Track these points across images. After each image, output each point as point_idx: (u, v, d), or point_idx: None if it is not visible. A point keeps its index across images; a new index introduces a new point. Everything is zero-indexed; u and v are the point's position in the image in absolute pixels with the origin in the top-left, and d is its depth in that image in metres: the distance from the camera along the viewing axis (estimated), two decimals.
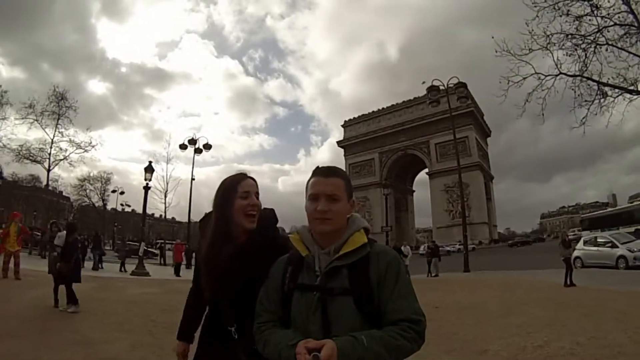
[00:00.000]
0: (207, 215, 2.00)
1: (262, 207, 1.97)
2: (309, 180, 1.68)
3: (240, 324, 1.78)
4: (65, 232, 9.17)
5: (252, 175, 1.94)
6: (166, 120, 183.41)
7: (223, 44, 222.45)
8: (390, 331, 1.43)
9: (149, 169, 22.95)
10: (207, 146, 29.58)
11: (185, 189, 29.28)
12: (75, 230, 9.49)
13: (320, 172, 1.66)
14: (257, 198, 1.92)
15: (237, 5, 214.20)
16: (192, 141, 28.90)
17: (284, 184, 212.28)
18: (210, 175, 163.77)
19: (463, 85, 27.21)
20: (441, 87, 26.34)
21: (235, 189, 1.89)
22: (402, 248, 21.14)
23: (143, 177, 22.60)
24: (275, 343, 1.50)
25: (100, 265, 21.90)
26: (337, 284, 1.52)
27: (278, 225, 2.04)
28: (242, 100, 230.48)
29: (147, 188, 22.81)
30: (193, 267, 2.31)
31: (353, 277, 1.52)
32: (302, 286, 1.58)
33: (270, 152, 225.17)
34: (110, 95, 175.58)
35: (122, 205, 51.57)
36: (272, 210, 2.03)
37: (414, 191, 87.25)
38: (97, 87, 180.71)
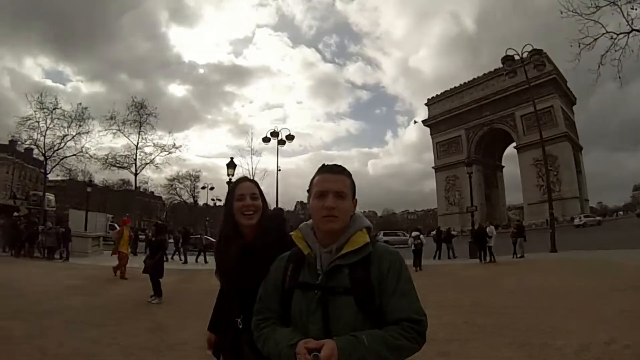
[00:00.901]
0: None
1: (273, 208, 2.21)
2: (313, 178, 1.69)
3: (246, 316, 1.83)
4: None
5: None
6: (250, 115, 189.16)
7: (296, 33, 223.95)
8: (392, 331, 1.43)
9: (231, 165, 24.39)
10: (290, 137, 29.84)
11: (274, 179, 29.99)
12: (163, 231, 10.40)
13: (328, 170, 1.67)
14: (257, 199, 2.09)
15: None
16: (275, 133, 29.30)
17: (374, 168, 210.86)
18: (299, 164, 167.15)
19: (538, 52, 24.96)
20: (516, 57, 24.40)
21: (233, 193, 2.10)
22: (487, 229, 20.16)
23: (238, 173, 24.26)
24: (275, 342, 1.52)
25: (195, 259, 23.19)
26: (338, 283, 1.52)
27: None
28: (323, 87, 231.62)
29: (230, 183, 23.70)
30: None
31: (354, 277, 1.52)
32: (303, 284, 1.59)
33: (357, 137, 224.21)
34: (191, 97, 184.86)
35: (212, 200, 54.19)
36: (279, 209, 2.27)
37: (503, 167, 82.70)
38: (177, 90, 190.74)
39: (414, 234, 19.30)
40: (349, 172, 1.70)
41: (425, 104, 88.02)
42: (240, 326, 1.92)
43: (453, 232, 28.80)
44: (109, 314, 8.00)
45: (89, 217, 30.19)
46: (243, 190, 2.09)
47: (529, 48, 24.00)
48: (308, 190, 1.72)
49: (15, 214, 25.38)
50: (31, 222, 21.81)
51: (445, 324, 6.64)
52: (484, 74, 75.15)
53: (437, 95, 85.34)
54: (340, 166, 1.71)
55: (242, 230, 2.07)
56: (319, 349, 1.36)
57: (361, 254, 1.55)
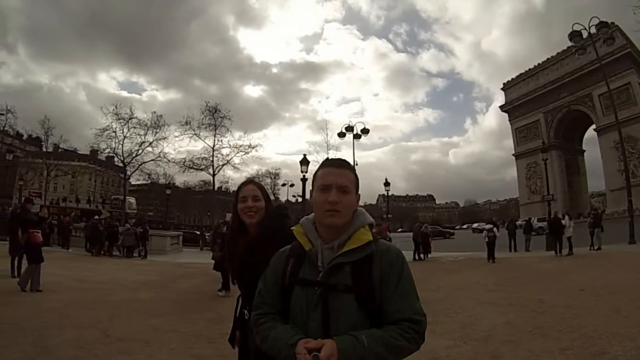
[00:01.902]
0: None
1: (276, 204, 2.45)
2: (316, 172, 1.67)
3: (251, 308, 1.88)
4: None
5: (343, 164, 1.75)
6: (327, 110, 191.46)
7: (365, 25, 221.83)
8: (391, 331, 1.43)
9: (304, 162, 25.16)
10: (365, 131, 29.53)
11: (357, 173, 30.09)
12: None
13: (331, 164, 1.66)
14: (258, 200, 2.26)
15: None
16: (350, 128, 29.17)
17: (455, 157, 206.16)
18: (379, 156, 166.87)
19: (605, 24, 22.50)
20: (584, 32, 22.24)
21: (238, 195, 2.30)
22: (563, 220, 19.03)
23: (314, 169, 24.52)
24: (275, 339, 1.52)
25: None
26: (339, 281, 1.51)
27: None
28: (398, 77, 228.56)
29: (304, 180, 24.77)
30: None
31: (356, 275, 1.50)
32: (303, 281, 1.57)
33: (436, 126, 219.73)
34: (267, 96, 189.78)
35: (293, 196, 55.13)
36: (278, 206, 2.42)
37: (584, 151, 76.97)
38: (252, 91, 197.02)
39: (488, 226, 19.35)
40: (352, 166, 1.68)
41: (502, 89, 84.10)
42: (247, 317, 2.07)
43: (534, 223, 27.48)
44: (175, 305, 8.56)
45: None
46: (245, 192, 2.28)
47: (596, 21, 21.83)
48: (312, 185, 1.69)
49: (96, 216, 27.28)
50: (110, 223, 23.37)
51: (505, 323, 6.42)
52: (557, 53, 70.01)
53: (512, 78, 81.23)
54: (344, 160, 1.69)
55: (247, 228, 2.26)
56: (319, 349, 1.35)
57: (364, 252, 1.53)
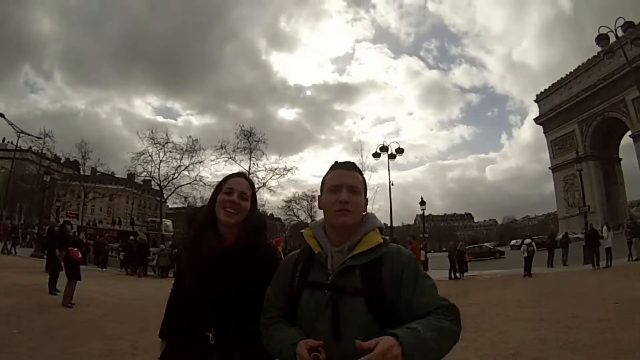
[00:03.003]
0: (193, 211, 2.09)
1: (258, 213, 2.00)
2: (326, 175, 1.70)
3: (219, 330, 1.73)
4: None
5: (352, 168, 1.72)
6: (363, 131, 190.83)
7: (395, 43, 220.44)
8: (432, 319, 1.38)
9: None
10: (399, 150, 29.28)
11: (393, 194, 29.97)
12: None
13: (341, 166, 1.68)
14: (245, 200, 1.89)
15: (394, 0, 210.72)
16: (384, 148, 29.05)
17: (493, 173, 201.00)
18: (416, 176, 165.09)
19: (632, 25, 21.45)
20: (610, 34, 21.17)
21: (222, 186, 1.92)
22: (601, 232, 18.53)
23: None
24: (278, 340, 1.53)
25: None
26: (349, 284, 1.50)
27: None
28: (432, 95, 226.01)
29: None
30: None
31: (366, 278, 1.50)
32: (312, 284, 1.57)
33: (472, 142, 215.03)
34: (302, 119, 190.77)
35: None
36: (260, 216, 2.01)
37: (620, 159, 73.81)
38: (287, 114, 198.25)
39: (527, 241, 18.96)
40: (360, 170, 1.70)
41: (535, 101, 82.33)
42: (213, 342, 1.72)
43: (571, 235, 26.68)
44: None
45: None
46: (233, 184, 1.90)
47: (622, 22, 20.83)
48: (320, 190, 1.70)
49: (131, 237, 27.97)
50: (142, 244, 23.93)
51: (536, 339, 6.24)
52: (588, 60, 67.51)
53: (545, 89, 79.35)
54: (352, 163, 1.71)
55: (218, 228, 1.87)
56: (319, 348, 1.36)
57: (374, 255, 1.53)
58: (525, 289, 13.23)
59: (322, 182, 1.69)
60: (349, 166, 1.68)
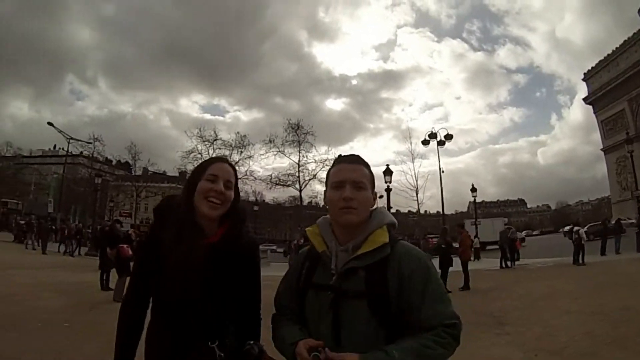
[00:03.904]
0: (167, 199, 1.75)
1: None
2: (330, 170, 1.62)
3: (223, 339, 1.59)
4: None
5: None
6: (412, 118, 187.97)
7: (437, 26, 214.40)
8: (425, 339, 1.35)
9: (387, 172, 25.47)
10: (448, 136, 28.63)
11: (444, 181, 29.72)
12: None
13: (345, 160, 1.61)
14: (230, 189, 1.65)
15: None
16: (433, 135, 28.61)
17: (544, 156, 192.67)
18: (468, 162, 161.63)
19: None
20: None
21: (203, 171, 1.65)
22: None
23: (402, 179, 25.67)
24: (281, 339, 1.50)
25: None
26: (352, 286, 1.44)
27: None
28: (478, 77, 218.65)
29: (388, 190, 25.11)
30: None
31: (370, 280, 1.43)
32: (316, 285, 1.52)
33: (522, 125, 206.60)
34: (349, 109, 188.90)
35: (388, 207, 55.06)
36: (243, 206, 1.80)
37: None
38: (334, 104, 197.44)
39: (575, 228, 18.20)
40: (367, 163, 1.61)
41: (583, 79, 78.58)
42: (222, 354, 1.56)
43: (624, 221, 25.37)
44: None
45: (483, 223, 34.93)
46: (217, 171, 1.64)
47: None
48: (325, 184, 1.64)
49: None
50: None
51: (584, 333, 6.01)
52: (634, 33, 63.70)
53: (592, 67, 75.25)
54: (357, 156, 1.63)
55: (202, 225, 1.61)
56: (319, 348, 1.34)
57: (379, 256, 1.45)
58: (575, 279, 12.73)
59: (327, 177, 1.62)
60: (354, 160, 1.59)
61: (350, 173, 1.53)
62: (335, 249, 1.52)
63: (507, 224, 38.11)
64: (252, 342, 1.57)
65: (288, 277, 1.66)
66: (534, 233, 46.04)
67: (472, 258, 21.89)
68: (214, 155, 36.57)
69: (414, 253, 1.51)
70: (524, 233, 47.15)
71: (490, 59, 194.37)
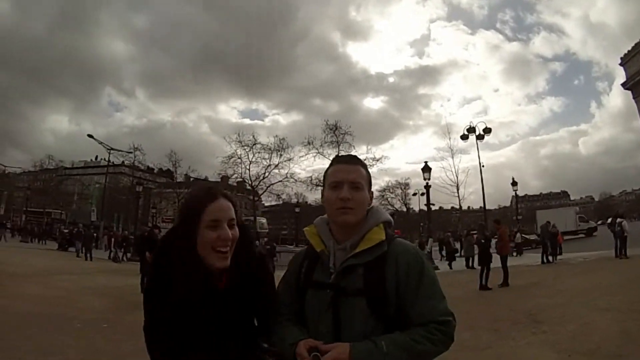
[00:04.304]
0: (167, 238, 1.62)
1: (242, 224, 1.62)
2: (327, 170, 1.64)
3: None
4: None
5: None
6: (451, 113, 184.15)
7: (470, 18, 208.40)
8: (415, 334, 1.38)
9: (426, 169, 25.06)
10: (487, 130, 28.38)
11: (486, 176, 29.41)
12: None
13: (342, 160, 1.63)
14: (235, 225, 1.52)
15: None
16: (471, 129, 28.22)
17: (586, 146, 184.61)
18: (509, 155, 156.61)
19: None
20: None
21: (200, 216, 1.46)
22: None
23: (443, 175, 25.91)
24: (281, 339, 1.50)
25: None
26: (350, 284, 1.46)
27: None
28: (515, 68, 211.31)
29: (427, 187, 24.84)
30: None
31: (368, 277, 1.45)
32: (315, 284, 1.54)
33: (562, 115, 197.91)
34: (388, 107, 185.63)
35: (425, 205, 54.49)
36: (248, 234, 1.66)
37: None
38: (372, 103, 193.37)
39: (618, 220, 17.32)
40: (363, 162, 1.64)
41: (620, 64, 75.40)
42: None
43: None
44: None
45: (555, 213, 35.14)
46: (218, 214, 1.47)
47: None
48: (323, 184, 1.66)
49: None
50: None
51: (620, 332, 5.85)
52: None
53: (629, 50, 72.07)
54: (354, 156, 1.65)
55: (207, 269, 1.49)
56: (320, 349, 1.35)
57: (376, 253, 1.48)
58: (616, 274, 12.19)
59: (324, 177, 1.64)
60: (351, 160, 1.61)
61: (348, 174, 1.55)
62: (333, 248, 1.55)
63: (579, 213, 36.84)
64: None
65: (287, 276, 1.68)
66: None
67: (514, 254, 21.45)
68: (253, 159, 37.44)
69: (411, 250, 1.54)
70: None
71: (526, 49, 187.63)
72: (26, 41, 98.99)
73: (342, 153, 30.86)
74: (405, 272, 1.46)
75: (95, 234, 29.35)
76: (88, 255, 22.77)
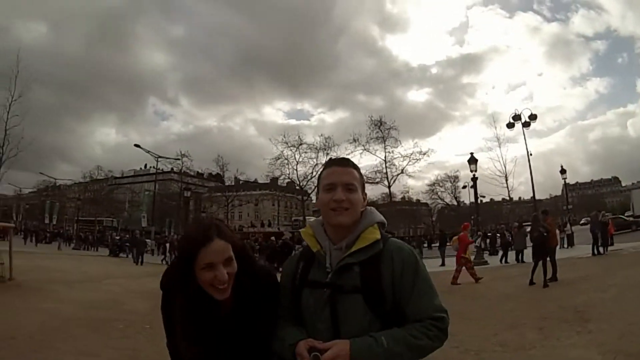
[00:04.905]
0: (168, 274, 1.66)
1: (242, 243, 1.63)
2: (321, 172, 1.69)
3: None
4: None
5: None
6: (497, 101, 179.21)
7: (506, 1, 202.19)
8: (413, 329, 1.43)
9: (472, 161, 24.32)
10: (533, 117, 27.40)
11: (535, 164, 28.66)
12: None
13: (336, 162, 1.68)
14: (232, 261, 1.50)
15: None
16: (517, 117, 27.37)
17: (634, 128, 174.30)
18: (558, 141, 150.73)
19: None
20: None
21: (194, 260, 1.45)
22: None
23: (491, 166, 24.39)
24: (280, 340, 1.52)
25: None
26: (347, 282, 1.50)
27: None
28: (557, 50, 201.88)
29: (474, 179, 24.29)
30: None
31: (364, 275, 1.49)
32: (312, 283, 1.57)
33: (608, 96, 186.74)
34: (433, 99, 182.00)
35: (475, 197, 53.59)
36: (247, 258, 1.61)
37: None
38: (416, 95, 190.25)
39: None
40: (356, 165, 1.68)
41: None
42: None
43: None
44: None
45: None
46: (212, 257, 1.44)
47: None
48: (317, 187, 1.70)
49: (272, 237, 29.76)
50: (286, 242, 25.20)
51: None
52: None
53: None
54: (348, 159, 1.72)
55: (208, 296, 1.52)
56: (319, 348, 1.37)
57: (372, 252, 1.52)
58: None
59: (318, 180, 1.69)
60: (344, 163, 1.66)
61: (342, 176, 1.59)
62: (329, 248, 1.58)
63: None
64: None
65: (283, 278, 1.70)
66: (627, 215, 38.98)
67: (565, 245, 20.75)
68: (300, 160, 38.19)
69: (405, 249, 1.56)
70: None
71: (566, 28, 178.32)
72: (66, 59, 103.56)
73: (389, 148, 31.74)
74: (401, 269, 1.49)
75: (146, 240, 30.44)
76: (139, 259, 23.68)
